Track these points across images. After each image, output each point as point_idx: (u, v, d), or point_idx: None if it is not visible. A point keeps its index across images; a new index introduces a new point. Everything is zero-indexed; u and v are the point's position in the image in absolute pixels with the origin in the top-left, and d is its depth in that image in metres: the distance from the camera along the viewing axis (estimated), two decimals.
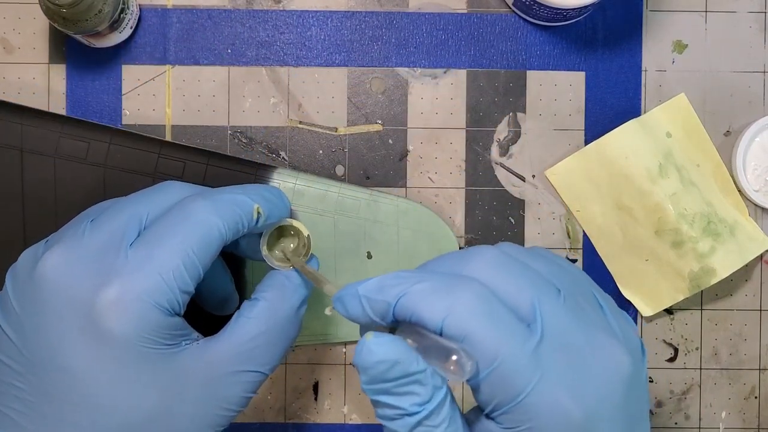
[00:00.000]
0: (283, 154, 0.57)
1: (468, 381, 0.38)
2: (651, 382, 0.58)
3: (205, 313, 0.52)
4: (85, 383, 0.41)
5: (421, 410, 0.37)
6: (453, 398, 0.39)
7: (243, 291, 0.55)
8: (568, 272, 0.41)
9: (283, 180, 0.56)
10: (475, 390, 0.38)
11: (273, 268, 0.47)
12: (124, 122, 0.57)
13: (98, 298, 0.41)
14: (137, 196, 0.46)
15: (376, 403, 0.39)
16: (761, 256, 0.58)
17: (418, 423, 0.38)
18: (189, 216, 0.43)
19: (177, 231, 0.43)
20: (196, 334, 0.44)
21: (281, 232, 0.48)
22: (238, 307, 0.46)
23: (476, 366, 0.37)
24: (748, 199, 0.58)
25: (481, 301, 0.37)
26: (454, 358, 0.36)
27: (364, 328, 0.40)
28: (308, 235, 0.48)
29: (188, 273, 0.42)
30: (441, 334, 0.37)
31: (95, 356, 0.41)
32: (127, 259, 0.42)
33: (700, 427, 0.59)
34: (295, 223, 0.48)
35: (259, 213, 0.45)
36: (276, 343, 0.45)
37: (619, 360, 0.38)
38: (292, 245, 0.48)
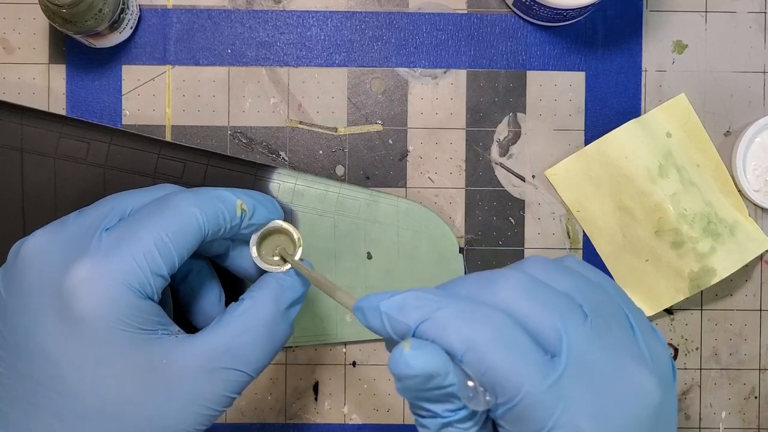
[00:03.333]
0: (283, 154, 0.57)
1: (490, 413, 0.37)
2: None
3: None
4: (57, 365, 0.41)
5: (453, 415, 0.37)
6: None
7: None
8: (598, 288, 0.40)
9: (283, 180, 0.56)
10: (498, 424, 0.38)
11: (265, 272, 0.47)
12: (124, 122, 0.57)
13: (68, 276, 0.41)
14: (128, 191, 0.46)
15: (410, 404, 0.38)
16: (761, 256, 0.58)
17: (449, 424, 0.37)
18: (168, 205, 0.43)
19: (153, 216, 0.43)
20: (177, 328, 0.44)
21: (272, 235, 0.48)
22: None
23: (494, 398, 0.36)
24: (748, 199, 0.58)
25: (502, 334, 0.36)
26: (471, 384, 0.35)
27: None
28: (299, 237, 0.47)
29: (161, 256, 0.42)
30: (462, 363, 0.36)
31: (66, 337, 0.41)
32: (101, 241, 0.42)
33: (700, 427, 0.59)
34: (285, 224, 0.47)
35: (243, 210, 0.45)
36: (260, 343, 0.44)
37: (647, 388, 0.37)
38: (285, 248, 0.47)
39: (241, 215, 0.45)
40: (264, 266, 0.46)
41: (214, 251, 0.48)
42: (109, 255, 0.41)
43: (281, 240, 0.48)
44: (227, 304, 0.50)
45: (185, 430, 0.43)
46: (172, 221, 0.43)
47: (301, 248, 0.47)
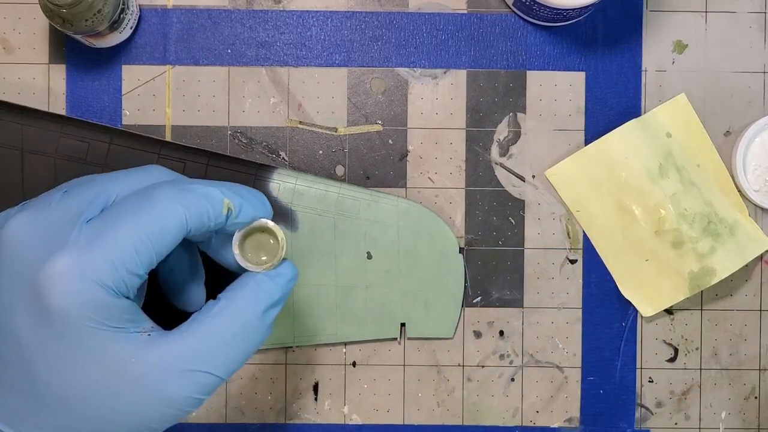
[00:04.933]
0: (283, 154, 0.57)
1: None
2: (651, 382, 0.58)
3: (171, 308, 0.51)
4: (27, 350, 0.41)
5: None
6: None
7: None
8: None
9: (283, 180, 0.56)
10: None
11: (245, 270, 0.45)
12: (124, 122, 0.57)
13: (43, 269, 0.41)
14: (115, 174, 0.45)
15: None
16: (761, 256, 0.58)
17: None
18: (151, 200, 0.42)
19: (135, 213, 0.42)
20: (150, 324, 0.43)
21: (256, 233, 0.46)
22: None
23: None
24: (748, 199, 0.58)
25: None
26: None
27: None
28: (282, 237, 0.45)
29: (139, 257, 0.41)
30: None
31: (37, 326, 0.41)
32: (80, 235, 0.41)
33: (700, 428, 0.59)
34: (269, 224, 0.46)
35: (229, 209, 0.44)
36: (234, 346, 0.43)
37: None
38: (267, 247, 0.46)
39: (227, 214, 0.44)
40: (245, 265, 0.45)
41: (196, 239, 0.47)
42: (86, 252, 0.41)
43: (265, 239, 0.46)
44: (210, 284, 0.50)
45: (149, 427, 0.42)
46: (153, 219, 0.42)
47: (284, 249, 0.45)
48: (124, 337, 0.42)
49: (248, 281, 0.45)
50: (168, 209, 0.42)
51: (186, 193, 0.43)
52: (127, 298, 0.42)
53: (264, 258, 0.46)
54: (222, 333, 0.43)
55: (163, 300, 0.49)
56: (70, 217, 0.42)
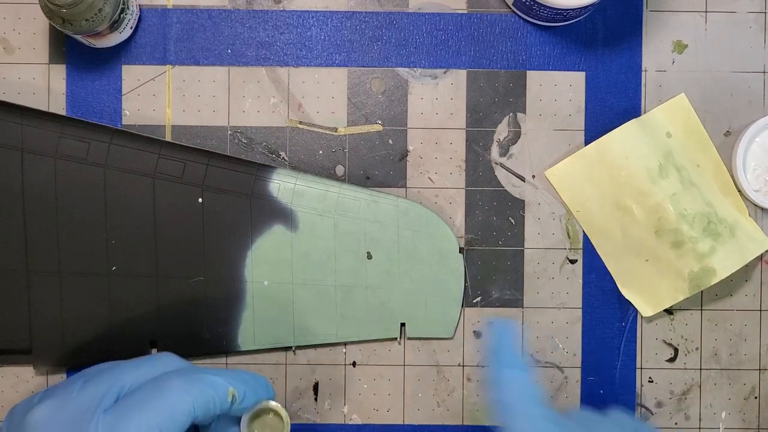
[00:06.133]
0: (283, 154, 0.57)
1: None
2: (651, 382, 0.58)
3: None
4: None
5: None
6: None
7: None
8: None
9: (283, 180, 0.56)
10: None
11: None
12: (124, 122, 0.57)
13: None
14: (129, 363, 0.48)
15: None
16: (761, 256, 0.58)
17: None
18: (162, 392, 0.45)
19: (148, 405, 0.45)
20: None
21: (261, 415, 0.49)
22: None
23: None
24: (748, 199, 0.58)
25: None
26: None
27: None
28: (287, 417, 0.49)
29: None
30: None
31: None
32: (98, 426, 0.44)
33: (700, 428, 0.59)
34: (273, 404, 0.49)
35: (234, 396, 0.47)
36: None
37: None
38: (272, 425, 0.49)
39: (231, 400, 0.47)
40: None
41: (198, 422, 0.50)
42: None
43: (270, 419, 0.49)
44: None
45: None
46: (164, 411, 0.45)
47: (288, 427, 0.49)
48: None
49: None
50: (177, 399, 0.45)
51: (193, 383, 0.46)
52: None
53: None
54: None
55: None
56: (89, 406, 0.45)
